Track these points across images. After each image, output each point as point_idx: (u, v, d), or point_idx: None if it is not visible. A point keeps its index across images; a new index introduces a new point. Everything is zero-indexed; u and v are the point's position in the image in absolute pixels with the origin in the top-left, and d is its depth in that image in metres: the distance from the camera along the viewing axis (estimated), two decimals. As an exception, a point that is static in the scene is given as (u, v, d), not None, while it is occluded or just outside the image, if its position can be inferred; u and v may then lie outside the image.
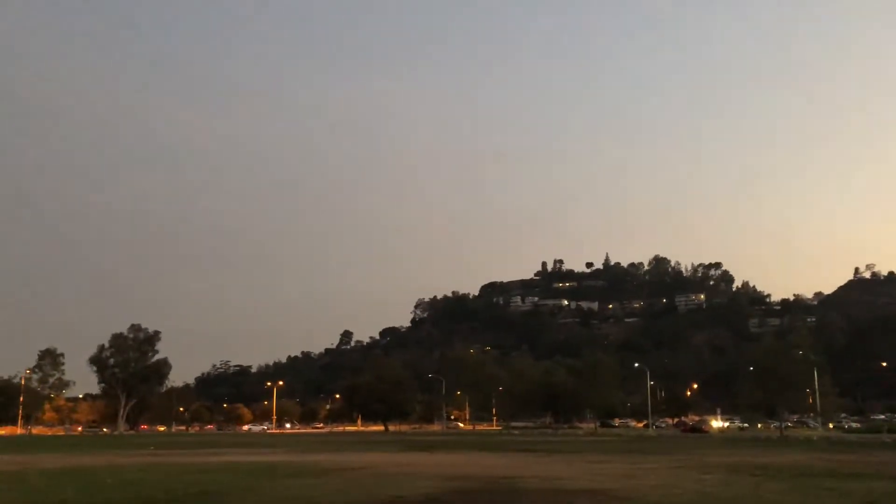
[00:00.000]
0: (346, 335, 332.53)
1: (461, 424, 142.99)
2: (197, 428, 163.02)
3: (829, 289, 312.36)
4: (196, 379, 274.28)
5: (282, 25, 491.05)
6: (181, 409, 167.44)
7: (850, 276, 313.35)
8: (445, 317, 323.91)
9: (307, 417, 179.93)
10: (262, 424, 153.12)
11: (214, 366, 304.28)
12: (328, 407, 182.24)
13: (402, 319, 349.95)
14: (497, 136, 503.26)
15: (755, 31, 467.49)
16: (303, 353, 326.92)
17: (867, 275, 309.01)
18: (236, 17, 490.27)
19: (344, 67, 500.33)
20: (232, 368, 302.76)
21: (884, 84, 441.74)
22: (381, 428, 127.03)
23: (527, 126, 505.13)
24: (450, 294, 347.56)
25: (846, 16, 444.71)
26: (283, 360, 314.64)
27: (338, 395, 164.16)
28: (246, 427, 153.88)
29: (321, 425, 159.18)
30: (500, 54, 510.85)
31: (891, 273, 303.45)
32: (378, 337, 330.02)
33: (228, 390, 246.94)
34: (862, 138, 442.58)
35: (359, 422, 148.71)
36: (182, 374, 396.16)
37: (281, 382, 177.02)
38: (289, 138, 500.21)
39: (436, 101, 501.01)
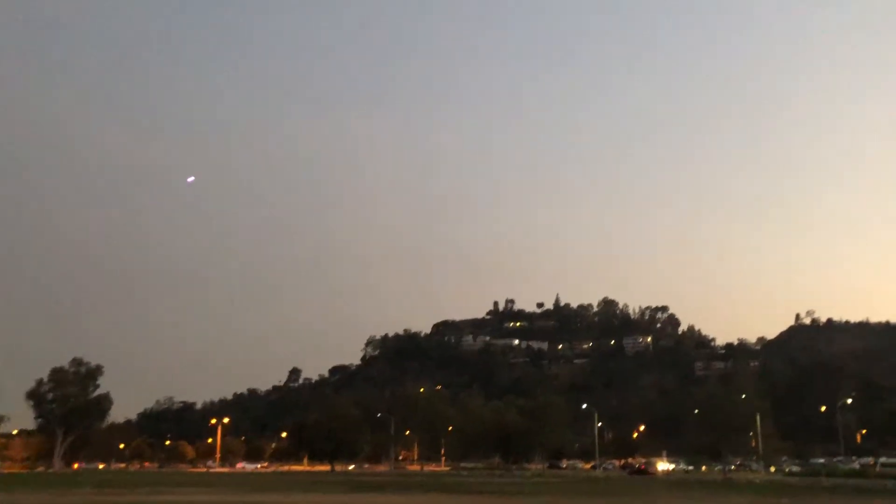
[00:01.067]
0: (295, 372, 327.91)
1: (410, 465, 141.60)
2: (137, 465, 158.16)
3: (771, 334, 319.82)
4: (138, 415, 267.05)
5: (246, 62, 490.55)
6: (121, 445, 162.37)
7: (792, 322, 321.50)
8: (397, 355, 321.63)
9: (252, 455, 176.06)
10: (219, 462, 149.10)
11: (158, 401, 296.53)
12: (274, 445, 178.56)
13: (353, 357, 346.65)
14: (452, 176, 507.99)
15: (696, 76, 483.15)
16: (249, 389, 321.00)
17: (808, 321, 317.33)
18: (204, 54, 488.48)
19: (302, 103, 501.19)
20: (176, 404, 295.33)
21: (826, 136, 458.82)
22: (328, 467, 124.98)
23: (481, 168, 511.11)
24: (401, 332, 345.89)
25: (763, 69, 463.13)
26: (229, 396, 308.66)
27: (284, 434, 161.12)
28: (209, 464, 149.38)
29: (266, 464, 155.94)
30: (457, 97, 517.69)
31: (829, 320, 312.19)
32: (327, 374, 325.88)
33: (172, 426, 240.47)
34: (803, 190, 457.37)
35: (305, 461, 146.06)
36: (124, 410, 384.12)
37: (226, 419, 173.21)
38: (238, 173, 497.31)
39: (392, 140, 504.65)
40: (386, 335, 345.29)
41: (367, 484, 60.08)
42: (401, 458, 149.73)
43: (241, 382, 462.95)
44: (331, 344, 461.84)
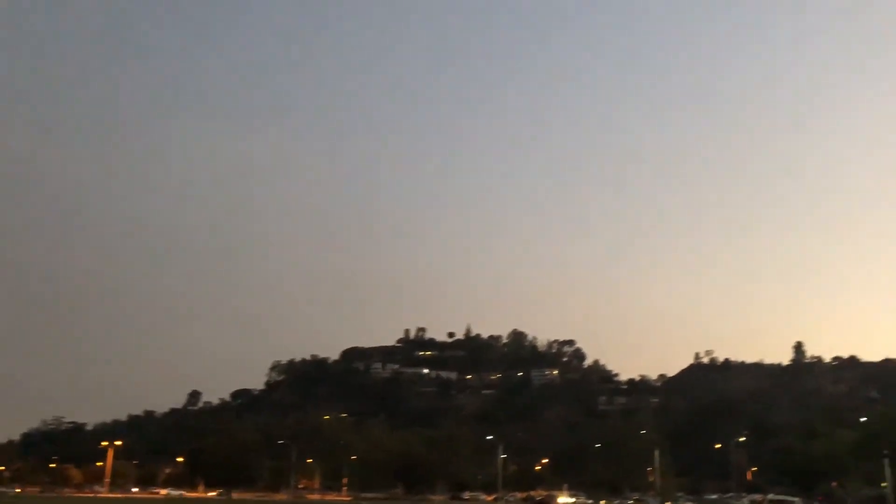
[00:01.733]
0: (194, 395, 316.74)
1: (310, 494, 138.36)
2: (18, 490, 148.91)
3: (672, 371, 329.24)
4: (22, 435, 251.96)
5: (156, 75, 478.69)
6: (1, 468, 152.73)
7: (692, 361, 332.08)
8: (303, 381, 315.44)
9: (145, 481, 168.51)
10: (109, 487, 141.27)
11: (44, 421, 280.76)
12: (168, 470, 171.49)
13: (257, 381, 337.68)
14: (366, 200, 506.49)
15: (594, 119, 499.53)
16: (145, 411, 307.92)
17: (706, 360, 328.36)
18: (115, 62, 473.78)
19: (200, 114, 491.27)
20: (64, 425, 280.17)
21: (730, 183, 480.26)
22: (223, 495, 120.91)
23: (393, 193, 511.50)
24: (308, 357, 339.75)
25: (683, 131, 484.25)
26: (123, 418, 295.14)
27: (180, 458, 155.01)
28: (97, 489, 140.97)
29: (158, 490, 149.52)
30: (366, 114, 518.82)
31: (727, 360, 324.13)
32: (229, 398, 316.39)
33: (59, 449, 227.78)
34: (706, 234, 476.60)
35: (201, 487, 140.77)
36: (6, 430, 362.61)
37: (118, 442, 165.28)
38: (141, 188, 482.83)
39: (305, 161, 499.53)
40: (293, 360, 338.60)
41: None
42: (301, 486, 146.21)
43: (136, 403, 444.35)
44: (234, 367, 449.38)
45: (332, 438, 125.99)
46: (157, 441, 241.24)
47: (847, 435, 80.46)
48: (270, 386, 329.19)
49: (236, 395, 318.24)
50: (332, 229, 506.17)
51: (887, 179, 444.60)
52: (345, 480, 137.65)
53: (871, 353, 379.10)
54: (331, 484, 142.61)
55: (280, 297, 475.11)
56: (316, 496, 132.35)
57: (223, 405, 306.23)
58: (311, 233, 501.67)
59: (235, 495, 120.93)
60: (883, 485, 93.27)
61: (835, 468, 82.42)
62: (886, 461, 77.23)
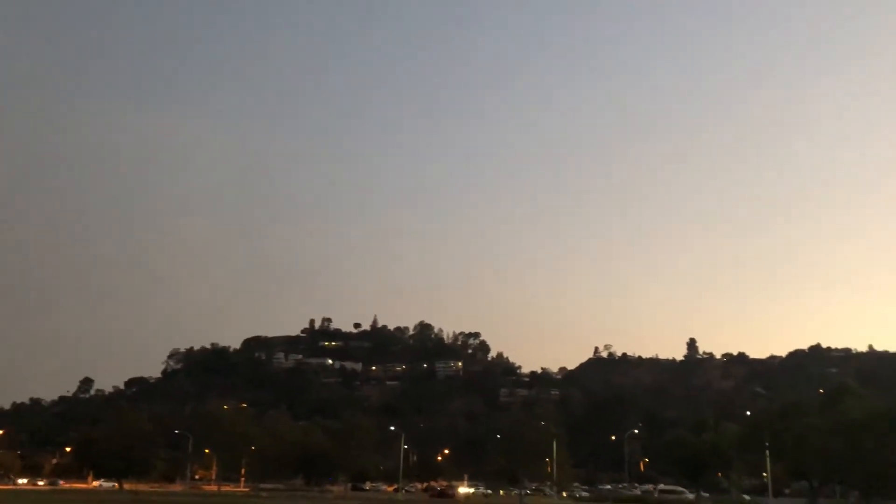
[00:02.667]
0: (86, 382, 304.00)
1: (206, 485, 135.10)
2: None
3: (572, 365, 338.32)
4: None
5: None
6: None
7: (591, 355, 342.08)
8: (202, 370, 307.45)
9: (29, 471, 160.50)
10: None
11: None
12: (55, 461, 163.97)
13: (153, 370, 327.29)
14: (273, 186, 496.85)
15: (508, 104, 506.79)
16: (31, 399, 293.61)
17: (605, 354, 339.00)
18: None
19: (108, 98, 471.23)
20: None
21: (640, 183, 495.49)
22: (115, 486, 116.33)
23: (301, 181, 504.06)
24: (208, 346, 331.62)
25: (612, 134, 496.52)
26: (7, 406, 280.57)
27: (69, 448, 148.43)
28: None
29: (44, 481, 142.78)
30: (273, 100, 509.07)
31: (624, 354, 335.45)
32: (123, 387, 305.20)
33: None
34: (611, 234, 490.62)
35: (90, 478, 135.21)
36: None
37: (1, 431, 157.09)
38: (32, 167, 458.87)
39: (209, 146, 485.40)
40: (191, 348, 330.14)
41: (156, 504, 56.28)
42: (197, 477, 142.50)
43: (22, 391, 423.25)
44: (129, 354, 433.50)
45: (231, 429, 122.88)
46: (43, 430, 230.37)
47: (733, 428, 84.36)
48: (167, 375, 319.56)
49: (131, 383, 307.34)
50: (236, 216, 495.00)
51: (777, 182, 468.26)
52: (243, 471, 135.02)
53: (758, 350, 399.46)
54: (229, 475, 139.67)
55: (180, 283, 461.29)
56: (213, 487, 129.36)
57: (117, 393, 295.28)
58: (214, 219, 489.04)
59: (128, 486, 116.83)
60: (764, 475, 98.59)
61: (720, 460, 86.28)
62: (768, 453, 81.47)
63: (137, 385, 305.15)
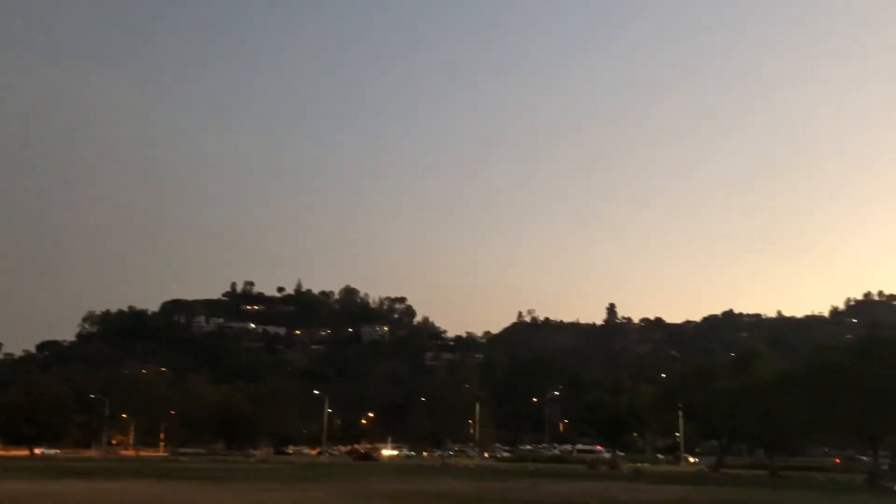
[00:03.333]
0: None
1: (124, 451, 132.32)
2: None
3: (496, 329, 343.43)
4: None
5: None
6: None
7: (515, 319, 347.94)
8: (119, 333, 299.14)
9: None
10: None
11: None
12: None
13: (67, 333, 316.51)
14: (194, 144, 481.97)
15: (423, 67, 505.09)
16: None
17: (528, 319, 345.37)
18: None
19: (23, 50, 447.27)
20: None
21: (558, 147, 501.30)
22: (26, 452, 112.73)
23: (225, 138, 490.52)
24: (126, 308, 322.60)
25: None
26: None
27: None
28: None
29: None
30: (195, 56, 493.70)
31: (547, 319, 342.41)
32: (35, 350, 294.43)
33: None
34: (534, 200, 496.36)
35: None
36: None
37: None
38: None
39: (125, 101, 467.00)
40: (108, 311, 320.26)
41: (71, 470, 54.65)
42: (114, 442, 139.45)
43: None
44: (41, 317, 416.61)
45: (149, 393, 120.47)
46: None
47: (649, 390, 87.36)
48: (82, 338, 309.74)
49: (42, 346, 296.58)
50: (154, 173, 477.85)
51: (693, 153, 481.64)
52: (162, 436, 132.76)
53: (674, 315, 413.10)
54: (147, 440, 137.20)
55: (95, 243, 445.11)
56: (130, 452, 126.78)
57: (27, 357, 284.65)
58: (131, 175, 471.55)
59: (38, 451, 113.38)
60: (677, 435, 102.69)
61: (637, 420, 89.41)
62: (681, 414, 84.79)
63: (50, 349, 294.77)
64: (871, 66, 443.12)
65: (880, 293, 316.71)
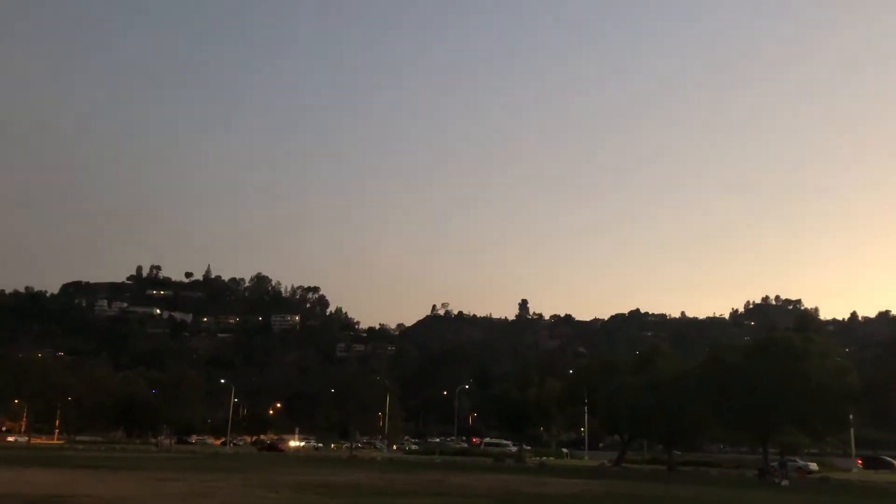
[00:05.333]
0: None
1: (14, 437, 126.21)
2: None
3: (410, 321, 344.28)
4: None
5: None
6: None
7: (428, 312, 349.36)
8: (14, 315, 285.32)
9: None
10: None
11: None
12: None
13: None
14: (104, 120, 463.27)
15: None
16: None
17: (441, 312, 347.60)
18: None
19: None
20: None
21: (475, 147, 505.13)
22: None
23: (133, 116, 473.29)
24: (22, 290, 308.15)
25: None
26: None
27: None
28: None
29: None
30: (118, 30, 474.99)
31: (460, 313, 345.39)
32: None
33: None
34: (450, 196, 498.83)
35: None
36: None
37: None
38: None
39: (34, 73, 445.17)
40: (2, 291, 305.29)
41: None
42: (4, 429, 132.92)
43: None
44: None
45: (43, 377, 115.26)
46: None
47: (556, 385, 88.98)
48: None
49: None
50: (58, 147, 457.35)
51: (602, 155, 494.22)
52: (57, 423, 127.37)
53: (583, 313, 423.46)
54: (41, 427, 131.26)
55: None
56: (22, 439, 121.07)
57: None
58: (34, 151, 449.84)
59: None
60: (582, 429, 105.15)
61: (543, 414, 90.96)
62: (586, 408, 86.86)
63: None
64: (768, 64, 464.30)
65: (777, 297, 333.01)
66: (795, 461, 69.07)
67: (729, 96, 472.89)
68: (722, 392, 57.84)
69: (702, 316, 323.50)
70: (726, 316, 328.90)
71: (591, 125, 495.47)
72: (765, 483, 50.84)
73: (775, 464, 56.17)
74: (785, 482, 49.05)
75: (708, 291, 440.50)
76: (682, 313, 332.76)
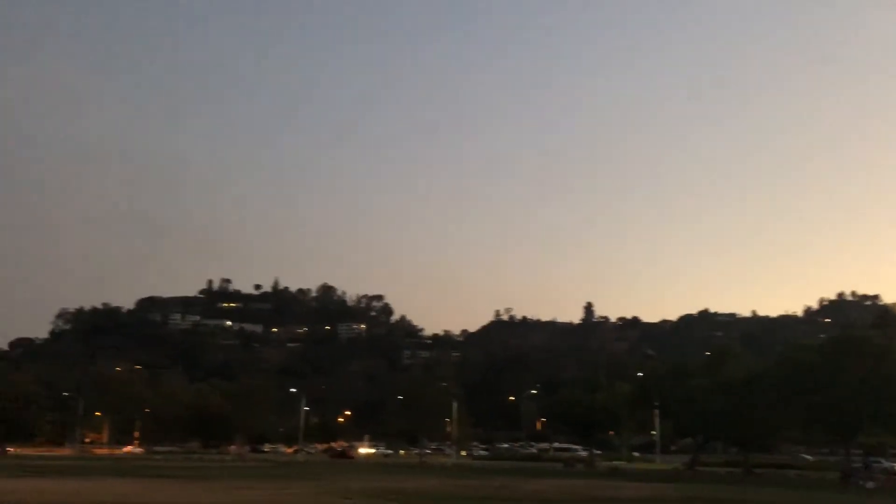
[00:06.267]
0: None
1: (97, 448, 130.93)
2: None
3: (473, 327, 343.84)
4: None
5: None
6: None
7: (492, 318, 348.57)
8: (92, 331, 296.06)
9: None
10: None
11: None
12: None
13: (40, 330, 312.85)
14: (172, 141, 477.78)
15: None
16: None
17: (505, 317, 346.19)
18: None
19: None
20: None
21: (527, 148, 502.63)
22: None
23: (202, 136, 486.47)
24: (100, 306, 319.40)
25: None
26: None
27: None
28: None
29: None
30: (178, 53, 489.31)
31: (524, 317, 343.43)
32: (7, 348, 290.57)
33: None
34: (513, 199, 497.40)
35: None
36: None
37: None
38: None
39: (104, 96, 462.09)
40: (81, 308, 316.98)
41: (42, 468, 54.02)
42: (88, 441, 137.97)
43: None
44: (13, 314, 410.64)
45: (123, 390, 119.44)
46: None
47: (624, 388, 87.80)
48: (55, 335, 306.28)
49: (15, 343, 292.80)
50: (133, 170, 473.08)
51: (668, 153, 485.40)
52: (136, 434, 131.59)
53: (651, 314, 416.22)
54: (122, 438, 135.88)
55: (70, 240, 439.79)
56: (104, 450, 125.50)
57: (0, 354, 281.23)
58: (108, 172, 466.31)
59: (11, 450, 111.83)
60: (652, 433, 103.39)
61: (612, 418, 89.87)
62: (656, 412, 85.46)
63: (23, 346, 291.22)
64: (851, 68, 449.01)
65: (853, 293, 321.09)
66: (881, 462, 66.50)
67: (821, 95, 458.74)
68: (798, 393, 56.17)
69: (774, 314, 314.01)
70: (800, 314, 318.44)
71: (659, 126, 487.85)
72: (848, 486, 49.03)
73: (859, 465, 54.17)
74: (870, 485, 47.22)
75: (780, 289, 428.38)
76: (753, 312, 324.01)
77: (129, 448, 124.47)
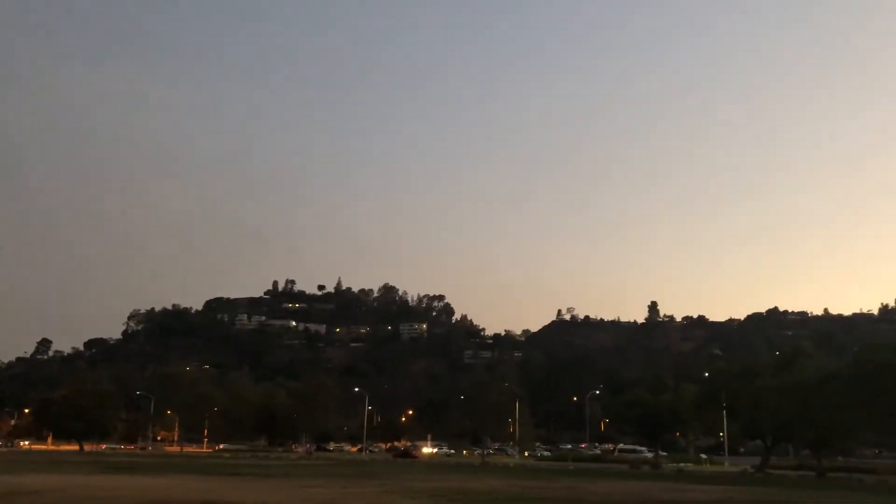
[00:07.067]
0: (44, 343, 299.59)
1: (169, 446, 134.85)
2: None
3: (535, 327, 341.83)
4: None
5: None
6: None
7: (553, 317, 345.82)
8: (163, 331, 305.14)
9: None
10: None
11: None
12: (13, 422, 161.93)
13: (113, 331, 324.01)
14: (239, 146, 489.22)
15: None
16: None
17: (567, 317, 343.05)
18: None
19: (77, 52, 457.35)
20: None
21: (588, 139, 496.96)
22: (75, 447, 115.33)
23: (268, 141, 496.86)
24: (169, 307, 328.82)
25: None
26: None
27: (27, 410, 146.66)
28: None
29: (1, 442, 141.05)
30: (251, 60, 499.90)
31: (587, 317, 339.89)
32: (82, 348, 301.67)
33: None
34: (567, 193, 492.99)
35: (49, 440, 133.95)
36: None
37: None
38: (25, 129, 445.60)
39: (174, 102, 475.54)
40: (152, 309, 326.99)
41: (117, 465, 55.81)
42: (159, 438, 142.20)
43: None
44: (88, 316, 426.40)
45: (193, 390, 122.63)
46: (1, 392, 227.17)
47: (691, 389, 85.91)
48: (127, 336, 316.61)
49: (90, 344, 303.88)
50: (201, 175, 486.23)
51: (727, 150, 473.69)
52: (206, 432, 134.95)
53: (717, 313, 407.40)
54: (191, 436, 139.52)
55: (141, 243, 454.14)
56: (175, 448, 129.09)
57: (76, 354, 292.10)
58: (176, 177, 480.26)
59: (88, 447, 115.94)
60: (721, 434, 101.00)
61: (679, 419, 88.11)
62: (724, 413, 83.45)
63: (97, 346, 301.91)
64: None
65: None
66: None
67: (868, 88, 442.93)
68: (875, 394, 54.14)
69: (847, 312, 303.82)
70: (875, 311, 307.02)
71: (733, 124, 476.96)
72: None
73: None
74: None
75: (853, 286, 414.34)
76: (826, 310, 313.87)
77: (194, 447, 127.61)
